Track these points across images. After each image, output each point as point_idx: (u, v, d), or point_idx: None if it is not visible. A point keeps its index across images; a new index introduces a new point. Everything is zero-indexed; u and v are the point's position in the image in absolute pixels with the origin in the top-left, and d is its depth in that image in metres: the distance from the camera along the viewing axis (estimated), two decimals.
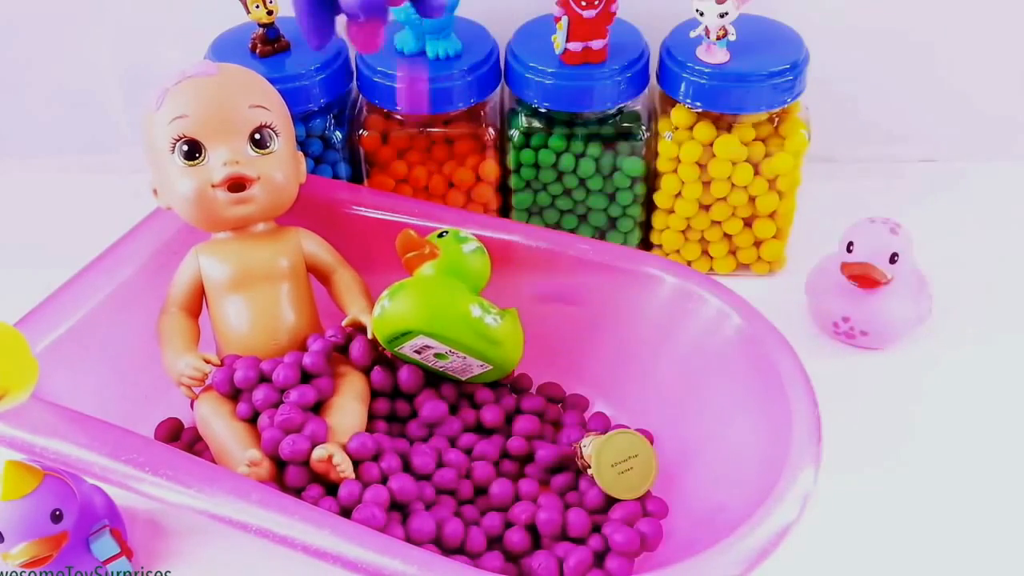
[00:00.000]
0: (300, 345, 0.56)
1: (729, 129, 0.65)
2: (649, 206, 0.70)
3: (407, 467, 0.53)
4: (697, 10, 0.61)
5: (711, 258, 0.71)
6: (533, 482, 0.54)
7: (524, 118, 0.67)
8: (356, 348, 0.56)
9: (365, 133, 0.67)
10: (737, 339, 0.54)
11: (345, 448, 0.51)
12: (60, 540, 0.47)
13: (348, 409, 0.54)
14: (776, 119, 0.65)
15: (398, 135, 0.67)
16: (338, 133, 0.68)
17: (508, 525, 0.52)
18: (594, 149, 0.66)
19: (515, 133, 0.67)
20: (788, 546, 0.43)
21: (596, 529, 0.51)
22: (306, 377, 0.54)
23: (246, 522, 0.44)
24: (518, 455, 0.55)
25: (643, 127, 0.66)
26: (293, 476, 0.50)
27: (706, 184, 0.67)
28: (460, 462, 0.54)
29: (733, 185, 0.66)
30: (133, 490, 0.46)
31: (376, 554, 0.42)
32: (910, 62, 0.77)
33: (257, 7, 0.64)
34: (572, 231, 0.70)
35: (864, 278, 0.61)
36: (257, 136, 0.55)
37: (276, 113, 0.56)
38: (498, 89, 0.68)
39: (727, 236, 0.70)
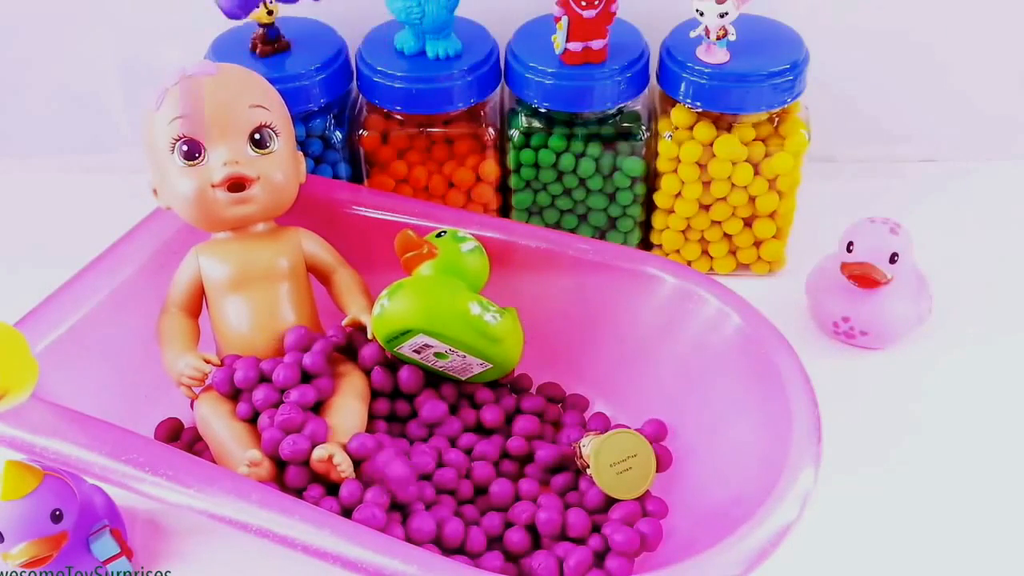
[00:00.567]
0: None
1: (729, 129, 0.65)
2: (649, 206, 0.70)
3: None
4: (697, 10, 0.61)
5: (711, 258, 0.71)
6: (533, 482, 0.54)
7: (524, 118, 0.67)
8: (367, 350, 0.56)
9: (365, 133, 0.67)
10: (737, 339, 0.54)
11: (345, 448, 0.51)
12: (60, 540, 0.47)
13: (348, 409, 0.54)
14: (776, 119, 0.65)
15: (398, 135, 0.67)
16: (338, 133, 0.68)
17: (508, 525, 0.52)
18: (594, 149, 0.66)
19: (515, 133, 0.67)
20: (788, 546, 0.43)
21: (596, 529, 0.51)
22: (306, 377, 0.54)
23: (246, 522, 0.44)
24: (518, 455, 0.55)
25: (643, 127, 0.66)
26: (293, 476, 0.50)
27: (706, 184, 0.67)
28: (460, 462, 0.54)
29: (733, 185, 0.66)
30: (133, 490, 0.46)
31: (376, 554, 0.42)
32: (910, 62, 0.77)
33: (257, 7, 0.64)
34: (572, 231, 0.70)
35: (864, 278, 0.61)
36: (257, 136, 0.55)
37: (276, 113, 0.56)
38: (498, 89, 0.68)
39: (727, 236, 0.70)
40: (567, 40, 0.62)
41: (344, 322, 0.57)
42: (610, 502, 0.52)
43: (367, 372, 0.56)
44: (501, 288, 0.58)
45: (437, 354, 0.54)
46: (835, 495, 0.53)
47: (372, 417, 0.56)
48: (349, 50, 0.68)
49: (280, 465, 0.51)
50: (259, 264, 0.56)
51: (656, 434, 0.55)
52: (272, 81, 0.59)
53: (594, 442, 0.52)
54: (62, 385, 0.52)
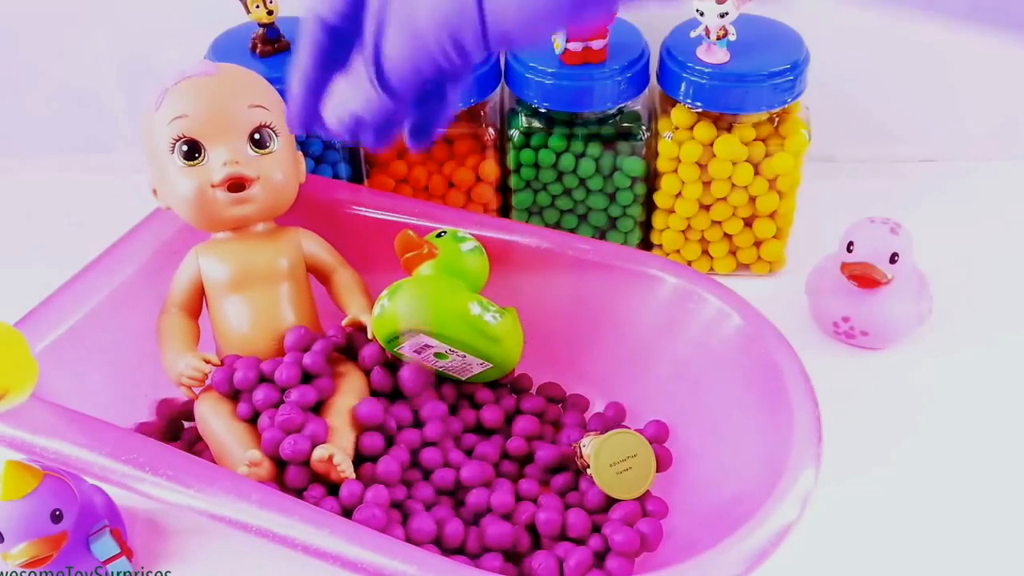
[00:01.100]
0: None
1: (729, 129, 0.65)
2: (649, 206, 0.70)
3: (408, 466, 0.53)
4: (697, 10, 0.61)
5: (711, 258, 0.71)
6: (533, 482, 0.54)
7: (524, 118, 0.67)
8: (367, 350, 0.56)
9: None
10: (737, 339, 0.54)
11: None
12: (60, 540, 0.47)
13: (348, 409, 0.54)
14: (776, 119, 0.65)
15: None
16: None
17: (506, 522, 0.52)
18: (594, 149, 0.66)
19: (515, 133, 0.67)
20: (788, 546, 0.43)
21: (596, 529, 0.51)
22: (306, 377, 0.54)
23: (246, 522, 0.44)
24: (518, 455, 0.55)
25: (643, 127, 0.66)
26: (294, 476, 0.50)
27: (706, 184, 0.67)
28: (460, 462, 0.54)
29: (733, 185, 0.66)
30: (133, 490, 0.46)
31: (376, 554, 0.42)
32: (910, 62, 0.77)
33: (257, 7, 0.64)
34: (572, 231, 0.70)
35: (864, 278, 0.61)
36: (257, 136, 0.55)
37: (276, 113, 0.56)
38: (498, 89, 0.68)
39: (727, 236, 0.70)
40: (567, 40, 0.62)
41: (344, 322, 0.57)
42: (610, 502, 0.52)
43: (367, 372, 0.56)
44: (501, 288, 0.58)
45: (437, 354, 0.54)
46: (835, 495, 0.53)
47: None
48: None
49: (280, 465, 0.51)
50: (259, 264, 0.56)
51: (657, 435, 0.55)
52: (272, 81, 0.59)
53: (594, 442, 0.52)
54: (62, 385, 0.52)
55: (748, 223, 0.69)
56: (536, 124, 0.66)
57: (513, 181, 0.69)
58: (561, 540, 0.51)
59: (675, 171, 0.67)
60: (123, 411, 0.54)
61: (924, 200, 0.77)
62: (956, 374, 0.63)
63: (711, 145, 0.65)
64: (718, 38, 0.61)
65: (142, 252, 0.60)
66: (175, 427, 0.58)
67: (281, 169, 0.56)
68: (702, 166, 0.66)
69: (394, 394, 0.57)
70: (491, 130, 0.67)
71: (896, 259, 0.60)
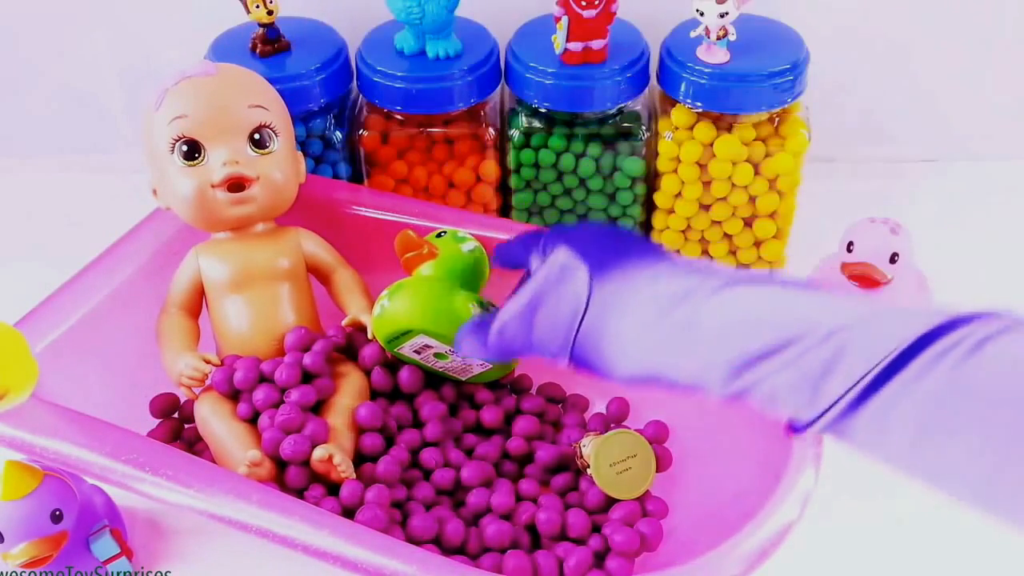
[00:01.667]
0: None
1: (729, 129, 0.65)
2: (649, 206, 0.70)
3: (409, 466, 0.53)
4: (697, 10, 0.61)
5: (711, 258, 0.71)
6: (533, 482, 0.54)
7: (524, 118, 0.67)
8: (367, 350, 0.56)
9: (365, 133, 0.67)
10: None
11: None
12: (60, 540, 0.47)
13: (349, 409, 0.54)
14: (776, 119, 0.65)
15: (398, 135, 0.67)
16: (338, 133, 0.68)
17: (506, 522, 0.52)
18: (594, 149, 0.66)
19: (515, 133, 0.67)
20: (788, 546, 0.43)
21: (596, 529, 0.51)
22: (307, 377, 0.54)
23: (246, 522, 0.44)
24: (518, 455, 0.55)
25: (643, 127, 0.66)
26: (294, 476, 0.50)
27: (706, 184, 0.67)
28: (461, 462, 0.54)
29: (733, 185, 0.66)
30: (133, 490, 0.46)
31: (376, 554, 0.42)
32: (911, 62, 0.77)
33: (257, 7, 0.64)
34: None
35: (864, 278, 0.61)
36: (256, 136, 0.55)
37: (275, 113, 0.56)
38: (498, 89, 0.68)
39: (727, 236, 0.70)
40: (567, 40, 0.62)
41: (344, 322, 0.57)
42: (610, 502, 0.52)
43: (367, 372, 0.56)
44: (501, 288, 0.58)
45: (437, 354, 0.54)
46: (835, 495, 0.53)
47: None
48: (349, 50, 0.68)
49: (280, 465, 0.51)
50: (259, 264, 0.56)
51: (657, 435, 0.55)
52: (272, 81, 0.59)
53: (594, 442, 0.52)
54: (62, 385, 0.52)
55: (748, 223, 0.69)
56: (536, 124, 0.66)
57: (513, 181, 0.69)
58: (561, 540, 0.51)
59: (675, 171, 0.67)
60: (123, 411, 0.54)
61: (924, 200, 0.77)
62: None
63: (711, 145, 0.65)
64: (718, 38, 0.61)
65: (142, 252, 0.60)
66: (175, 422, 0.58)
67: (281, 169, 0.56)
68: (702, 166, 0.66)
69: (394, 394, 0.57)
70: (491, 130, 0.67)
71: (896, 259, 0.60)
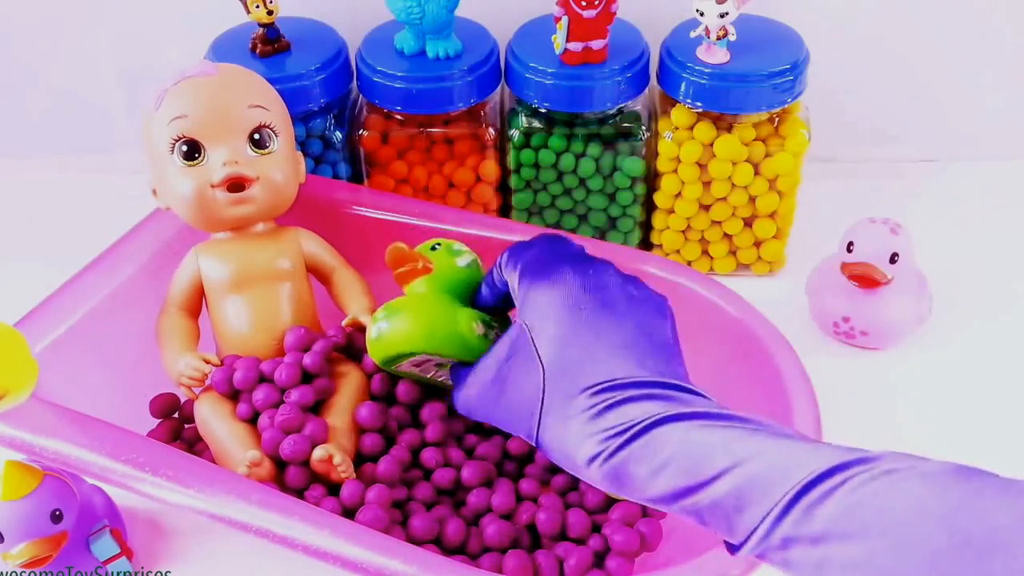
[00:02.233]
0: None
1: (729, 129, 0.65)
2: (649, 206, 0.70)
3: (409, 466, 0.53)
4: (697, 10, 0.61)
5: (711, 258, 0.71)
6: (533, 482, 0.54)
7: (524, 118, 0.67)
8: (368, 357, 0.56)
9: (365, 133, 0.67)
10: (737, 339, 0.54)
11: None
12: (60, 540, 0.47)
13: (348, 409, 0.54)
14: (776, 119, 0.65)
15: (398, 135, 0.67)
16: (338, 133, 0.68)
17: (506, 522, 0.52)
18: (594, 149, 0.66)
19: (515, 133, 0.67)
20: None
21: (596, 529, 0.51)
22: (306, 377, 0.54)
23: (246, 522, 0.44)
24: (518, 455, 0.55)
25: (643, 127, 0.66)
26: (294, 476, 0.50)
27: (706, 184, 0.67)
28: (461, 462, 0.54)
29: (733, 185, 0.66)
30: (133, 490, 0.46)
31: (376, 554, 0.42)
32: (911, 62, 0.77)
33: (257, 7, 0.64)
34: (572, 231, 0.70)
35: (864, 278, 0.61)
36: (256, 136, 0.55)
37: (275, 113, 0.56)
38: (498, 89, 0.68)
39: (727, 236, 0.70)
40: (567, 40, 0.62)
41: (344, 322, 0.57)
42: (610, 502, 0.52)
43: (368, 376, 0.56)
44: None
45: (438, 365, 0.53)
46: None
47: None
48: (349, 50, 0.68)
49: (280, 465, 0.51)
50: (259, 264, 0.56)
51: None
52: (272, 81, 0.59)
53: None
54: (62, 385, 0.52)
55: (748, 223, 0.69)
56: (536, 124, 0.66)
57: (513, 181, 0.69)
58: (561, 540, 0.51)
59: (675, 171, 0.67)
60: (123, 411, 0.54)
61: (924, 200, 0.77)
62: (956, 374, 0.63)
63: (711, 145, 0.65)
64: (718, 38, 0.62)
65: (142, 252, 0.60)
66: (175, 422, 0.58)
67: (281, 169, 0.56)
68: (702, 166, 0.66)
69: (394, 397, 0.57)
70: (491, 130, 0.67)
71: (896, 259, 0.60)
